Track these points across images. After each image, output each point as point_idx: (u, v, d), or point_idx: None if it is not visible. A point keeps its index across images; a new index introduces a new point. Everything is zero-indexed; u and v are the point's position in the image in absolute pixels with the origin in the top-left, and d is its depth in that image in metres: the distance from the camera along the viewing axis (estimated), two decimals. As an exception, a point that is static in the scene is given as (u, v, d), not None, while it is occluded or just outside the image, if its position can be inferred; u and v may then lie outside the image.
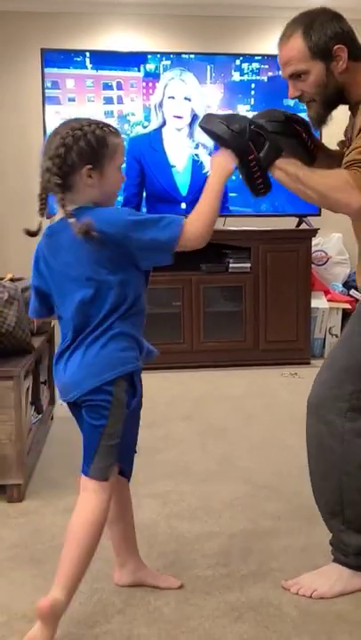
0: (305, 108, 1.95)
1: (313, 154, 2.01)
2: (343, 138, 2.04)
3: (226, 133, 1.79)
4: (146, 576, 1.97)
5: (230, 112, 1.82)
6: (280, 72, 1.93)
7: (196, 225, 1.72)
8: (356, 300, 5.48)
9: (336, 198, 1.75)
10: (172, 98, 4.91)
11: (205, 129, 1.86)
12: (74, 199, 1.71)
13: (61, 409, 3.71)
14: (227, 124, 1.79)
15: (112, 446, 1.73)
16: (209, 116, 1.87)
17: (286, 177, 1.80)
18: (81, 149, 1.66)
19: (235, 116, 1.87)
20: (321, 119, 1.91)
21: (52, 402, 3.62)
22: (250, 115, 2.00)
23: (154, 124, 4.91)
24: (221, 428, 3.47)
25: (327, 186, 1.76)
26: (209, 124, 1.84)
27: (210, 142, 4.87)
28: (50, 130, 4.72)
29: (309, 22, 1.84)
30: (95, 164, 1.68)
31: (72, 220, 1.64)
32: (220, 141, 1.83)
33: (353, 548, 1.92)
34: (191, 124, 4.92)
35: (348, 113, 1.95)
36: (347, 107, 1.94)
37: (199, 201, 1.75)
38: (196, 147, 4.94)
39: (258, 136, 1.80)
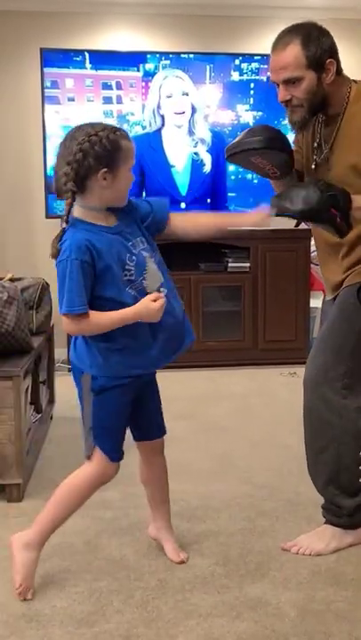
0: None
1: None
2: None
3: (311, 211, 1.88)
4: (163, 539, 2.16)
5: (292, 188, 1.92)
6: (270, 75, 2.05)
7: (83, 323, 1.82)
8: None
9: None
10: (170, 97, 4.91)
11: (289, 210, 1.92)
12: (87, 201, 1.83)
13: (61, 409, 3.72)
14: (304, 201, 1.87)
15: (89, 429, 1.94)
16: (279, 200, 1.94)
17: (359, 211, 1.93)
18: (97, 154, 1.77)
19: (298, 189, 1.93)
20: (305, 123, 2.07)
21: (51, 401, 3.62)
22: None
23: (153, 127, 4.90)
24: (221, 427, 3.47)
25: None
26: (288, 206, 1.90)
27: (208, 138, 4.92)
28: (49, 129, 4.68)
29: (307, 34, 1.99)
30: (110, 167, 1.80)
31: (53, 239, 1.86)
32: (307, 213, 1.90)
33: (346, 509, 2.16)
34: (190, 120, 4.92)
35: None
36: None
37: (108, 314, 1.83)
38: (196, 144, 4.94)
39: (334, 197, 1.89)
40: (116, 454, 1.96)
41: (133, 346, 1.87)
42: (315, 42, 1.97)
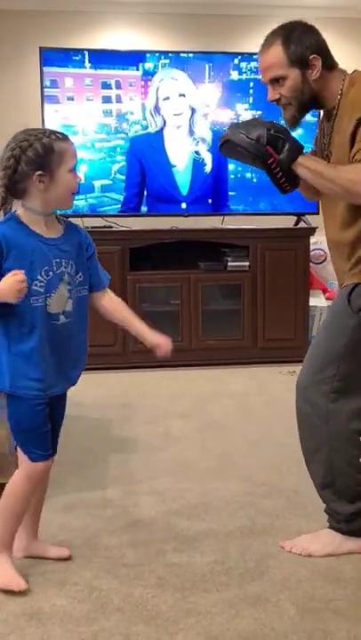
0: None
1: None
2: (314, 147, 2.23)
3: (244, 142, 1.95)
4: (41, 549, 2.14)
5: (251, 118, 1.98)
6: (260, 77, 2.10)
7: None
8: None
9: (358, 191, 1.90)
10: (168, 98, 4.91)
11: (226, 146, 1.99)
12: (30, 203, 1.88)
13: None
14: (245, 133, 1.95)
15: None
16: (231, 128, 2.01)
17: (309, 173, 1.97)
18: (29, 158, 1.83)
19: (253, 122, 2.02)
20: (295, 121, 2.09)
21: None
22: (249, 113, 2.10)
23: (154, 128, 4.90)
24: (220, 425, 3.48)
25: (350, 181, 1.90)
26: (231, 135, 1.97)
27: (209, 138, 4.92)
28: (48, 128, 4.66)
29: (288, 33, 2.03)
30: (45, 170, 1.84)
31: None
32: (241, 151, 1.97)
33: (343, 515, 2.13)
34: (190, 120, 4.92)
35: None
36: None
37: None
38: (197, 143, 4.94)
39: (277, 139, 1.95)
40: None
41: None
42: (295, 40, 2.00)
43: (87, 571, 2.06)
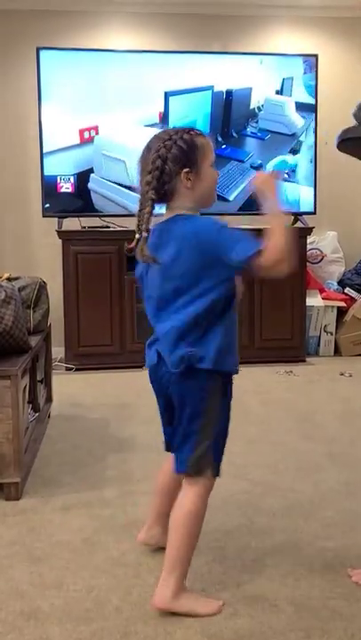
0: None
1: None
2: None
3: None
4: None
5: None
6: None
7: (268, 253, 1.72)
8: (351, 298, 5.51)
9: None
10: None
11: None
12: (176, 205, 1.82)
13: (58, 407, 3.73)
14: None
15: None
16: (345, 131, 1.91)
17: None
18: (175, 156, 1.77)
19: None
20: None
21: (48, 400, 3.64)
22: None
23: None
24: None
25: None
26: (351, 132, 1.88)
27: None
28: (45, 127, 4.69)
29: None
30: (191, 167, 1.78)
31: (141, 245, 1.76)
32: None
33: None
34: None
35: None
36: None
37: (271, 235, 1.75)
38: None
39: None
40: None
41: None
42: None
43: (85, 570, 2.06)
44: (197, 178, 1.80)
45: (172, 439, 1.94)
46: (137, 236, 1.78)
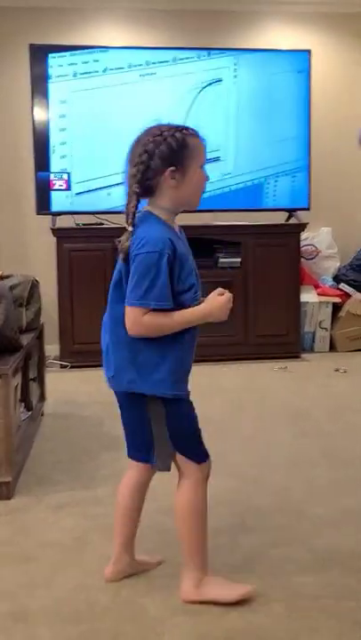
0: None
1: None
2: None
3: None
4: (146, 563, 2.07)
5: None
6: None
7: (146, 322, 1.77)
8: (346, 294, 5.50)
9: None
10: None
11: None
12: (159, 202, 1.81)
13: (52, 405, 3.72)
14: None
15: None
16: None
17: None
18: (162, 153, 1.74)
19: None
20: None
21: (42, 398, 3.63)
22: None
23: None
24: (212, 422, 3.47)
25: None
26: None
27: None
28: (38, 125, 4.67)
29: None
30: (178, 166, 1.76)
31: (122, 240, 1.78)
32: None
33: None
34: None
35: None
36: None
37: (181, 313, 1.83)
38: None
39: None
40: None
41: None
42: None
43: (76, 569, 2.06)
44: (183, 178, 1.77)
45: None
46: (129, 229, 1.78)
